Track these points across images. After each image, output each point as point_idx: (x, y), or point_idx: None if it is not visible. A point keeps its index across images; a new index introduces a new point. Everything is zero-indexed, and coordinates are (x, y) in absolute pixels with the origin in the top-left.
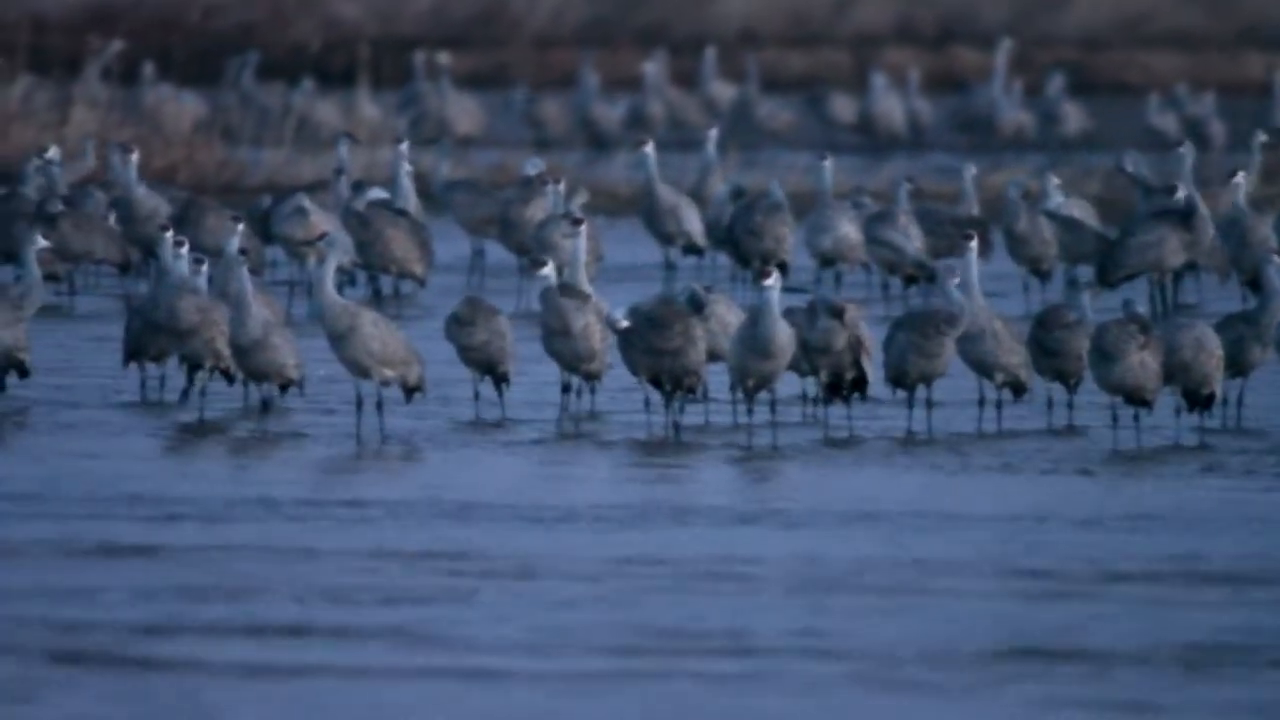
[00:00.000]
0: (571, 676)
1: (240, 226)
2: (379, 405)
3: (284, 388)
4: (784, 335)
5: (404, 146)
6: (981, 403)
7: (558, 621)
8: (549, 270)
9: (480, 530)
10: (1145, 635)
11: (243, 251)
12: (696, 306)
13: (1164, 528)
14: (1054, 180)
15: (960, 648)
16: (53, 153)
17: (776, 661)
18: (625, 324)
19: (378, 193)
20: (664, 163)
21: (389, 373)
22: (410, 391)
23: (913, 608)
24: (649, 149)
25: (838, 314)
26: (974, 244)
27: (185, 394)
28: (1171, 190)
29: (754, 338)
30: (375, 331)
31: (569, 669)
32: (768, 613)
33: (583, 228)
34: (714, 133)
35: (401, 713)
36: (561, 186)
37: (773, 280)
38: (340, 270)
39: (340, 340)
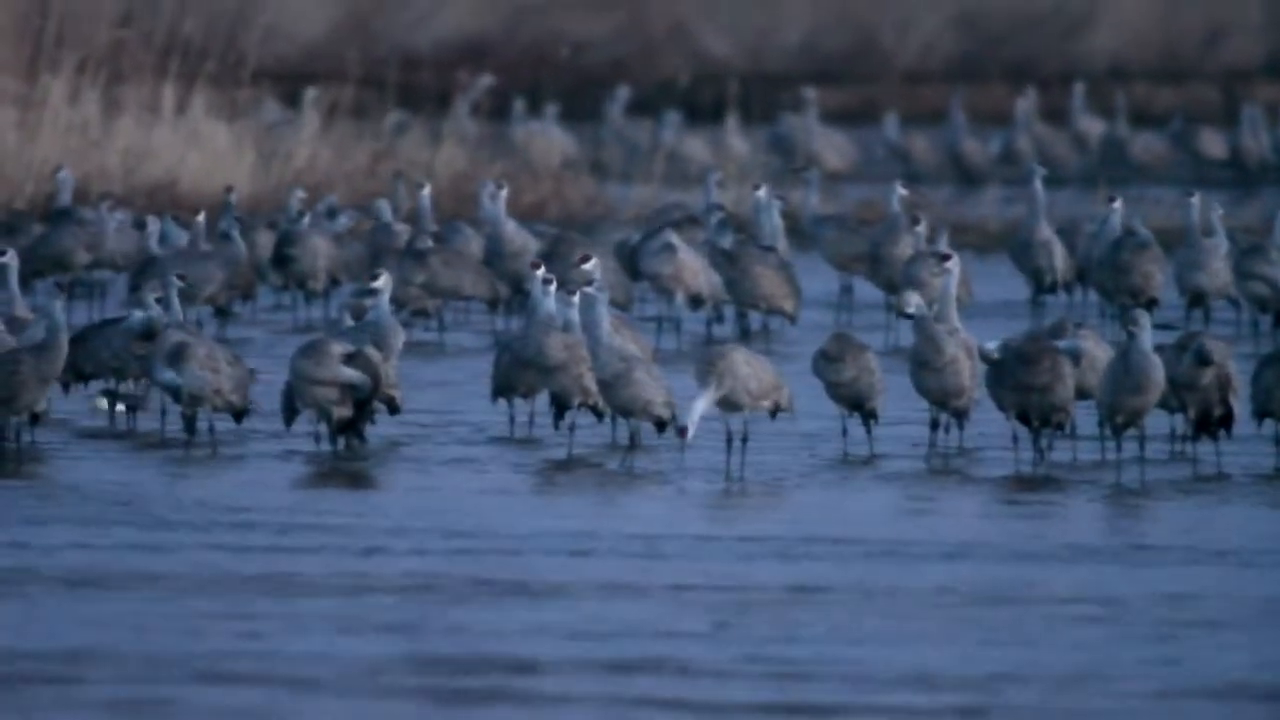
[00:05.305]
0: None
1: (593, 262)
2: (744, 441)
3: (659, 426)
4: (1156, 371)
5: (767, 185)
6: None
7: (933, 658)
8: (919, 302)
9: (844, 566)
10: None
11: (590, 282)
12: (1075, 359)
13: None
14: None
15: None
16: (426, 191)
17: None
18: (996, 354)
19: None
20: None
21: (765, 404)
22: (775, 412)
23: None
24: (1038, 169)
25: (1205, 362)
26: None
27: (559, 426)
28: None
29: (1126, 373)
30: (750, 371)
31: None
32: (1126, 646)
33: (953, 264)
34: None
35: None
36: (924, 226)
37: (1143, 319)
38: (701, 303)
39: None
